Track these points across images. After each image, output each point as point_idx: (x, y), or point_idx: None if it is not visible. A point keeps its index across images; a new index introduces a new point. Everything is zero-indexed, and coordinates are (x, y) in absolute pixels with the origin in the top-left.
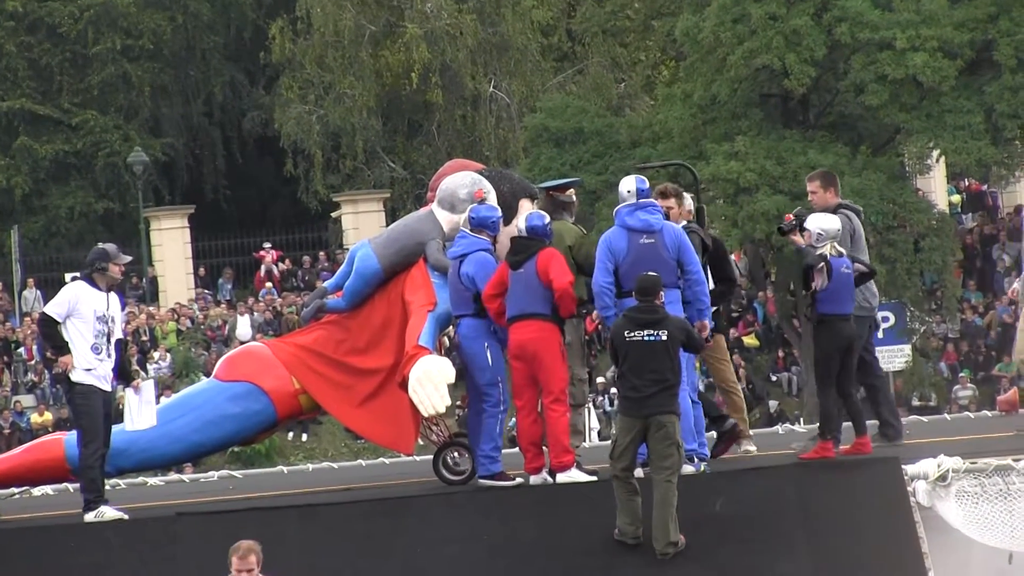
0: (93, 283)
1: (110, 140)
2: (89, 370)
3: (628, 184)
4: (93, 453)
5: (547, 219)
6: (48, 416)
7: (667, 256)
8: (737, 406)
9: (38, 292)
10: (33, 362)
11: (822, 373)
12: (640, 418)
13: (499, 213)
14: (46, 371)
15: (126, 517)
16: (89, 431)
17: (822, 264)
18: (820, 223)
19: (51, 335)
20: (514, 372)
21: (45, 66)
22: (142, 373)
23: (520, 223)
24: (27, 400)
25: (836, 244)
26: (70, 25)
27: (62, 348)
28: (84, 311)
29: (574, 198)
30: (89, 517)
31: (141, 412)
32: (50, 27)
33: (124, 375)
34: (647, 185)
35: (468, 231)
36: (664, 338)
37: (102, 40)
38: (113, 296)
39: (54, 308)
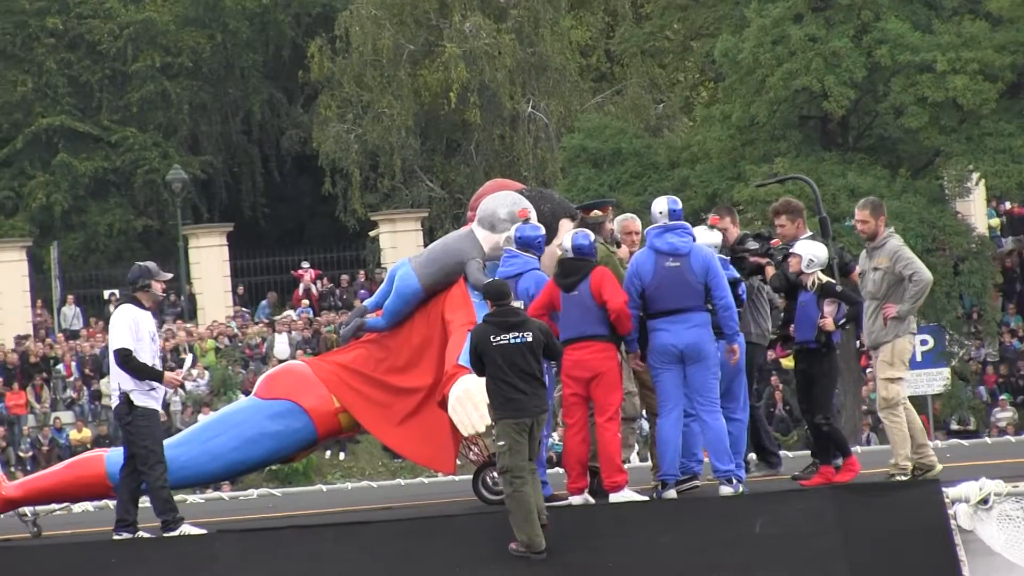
0: (139, 303)
1: (149, 157)
2: (151, 390)
3: (660, 205)
4: (161, 474)
5: (592, 237)
6: (87, 433)
7: (693, 280)
8: None
9: (77, 309)
10: (72, 379)
11: (822, 399)
12: (531, 416)
13: (543, 232)
14: (84, 387)
15: (205, 532)
16: (154, 453)
17: (839, 288)
18: (811, 249)
19: (138, 367)
20: (566, 390)
21: (85, 83)
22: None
23: (565, 243)
24: (66, 417)
25: (821, 273)
26: (110, 42)
27: (156, 373)
28: (142, 334)
29: (605, 218)
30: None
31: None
32: (90, 44)
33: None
34: (680, 206)
35: (516, 250)
36: (529, 339)
37: (141, 57)
38: (150, 314)
39: (125, 340)
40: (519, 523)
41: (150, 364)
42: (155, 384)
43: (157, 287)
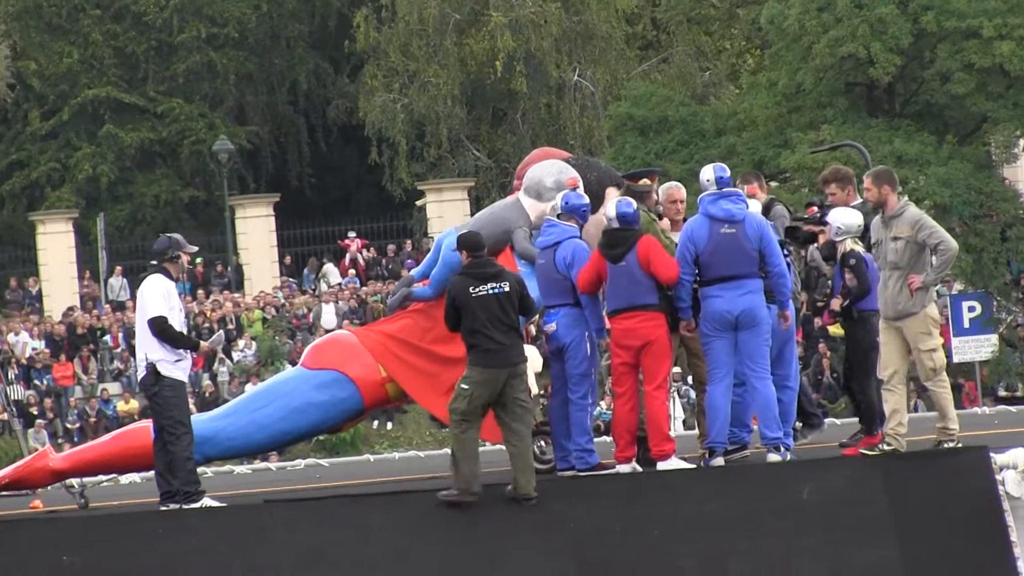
0: (168, 274)
1: (195, 128)
2: (178, 360)
3: (707, 173)
4: (188, 445)
5: (635, 205)
6: (134, 404)
7: (748, 246)
8: None
9: (125, 280)
10: (119, 350)
11: (862, 368)
12: (505, 368)
13: (588, 202)
14: (132, 359)
15: (225, 505)
16: (181, 424)
17: (854, 260)
18: (840, 218)
19: (173, 335)
20: (615, 359)
21: (131, 54)
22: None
23: (609, 211)
24: (113, 388)
25: (855, 240)
26: (155, 13)
27: (193, 342)
28: (173, 303)
29: (651, 187)
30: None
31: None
32: (136, 15)
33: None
34: (728, 174)
35: (556, 219)
36: (507, 289)
37: (187, 28)
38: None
39: (160, 308)
40: (460, 466)
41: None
42: (183, 354)
43: (185, 258)
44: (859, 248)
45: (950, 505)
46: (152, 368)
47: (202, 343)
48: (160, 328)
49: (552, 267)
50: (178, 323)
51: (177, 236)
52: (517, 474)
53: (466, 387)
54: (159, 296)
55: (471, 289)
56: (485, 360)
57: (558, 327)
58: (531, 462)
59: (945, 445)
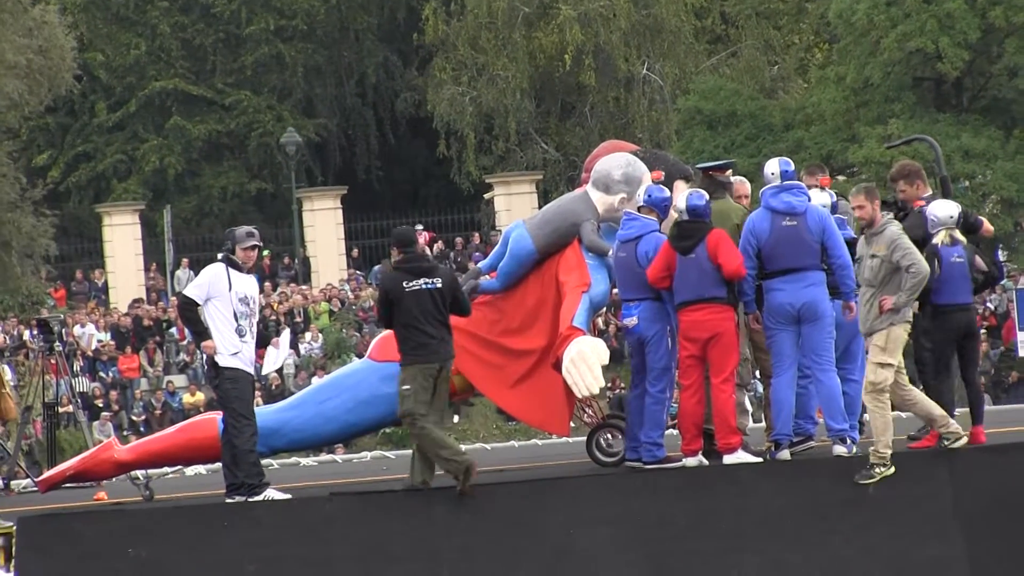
0: (234, 264)
1: (263, 120)
2: (236, 353)
3: (772, 166)
4: (251, 438)
5: (706, 198)
6: (200, 396)
7: (810, 239)
8: None
9: (191, 272)
10: (185, 342)
11: (936, 363)
12: (437, 361)
13: (670, 195)
14: (198, 351)
15: (290, 498)
16: (243, 416)
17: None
18: (934, 210)
19: (191, 318)
20: (682, 352)
21: (199, 46)
22: (276, 329)
23: (680, 204)
24: (179, 380)
25: (953, 232)
26: (224, 5)
27: (203, 333)
28: (226, 292)
29: (732, 179)
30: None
31: (278, 358)
32: (204, 7)
33: (263, 342)
34: (792, 167)
35: (637, 212)
36: (440, 285)
37: (255, 20)
38: (253, 277)
39: (193, 290)
40: (436, 455)
41: (234, 325)
42: (239, 345)
43: (240, 254)
44: (946, 240)
45: (1016, 499)
46: (211, 359)
47: (207, 343)
48: (180, 304)
49: (633, 261)
50: (230, 310)
51: (240, 230)
52: (421, 465)
53: (406, 387)
54: (203, 280)
55: (404, 284)
56: (419, 354)
57: (639, 321)
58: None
59: (876, 469)
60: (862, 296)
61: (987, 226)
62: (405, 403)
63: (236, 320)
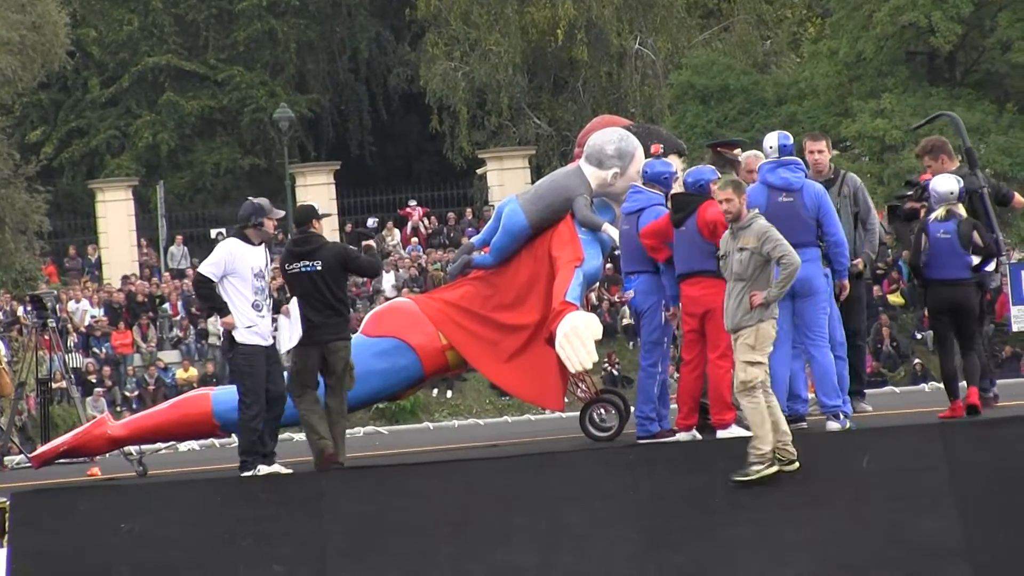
0: (247, 239)
1: (256, 96)
2: (251, 327)
3: (771, 140)
4: (256, 415)
5: (717, 175)
6: (193, 372)
7: (805, 215)
8: None
9: (185, 248)
10: (178, 318)
11: (935, 336)
12: (315, 346)
13: (673, 169)
14: (191, 327)
15: (288, 471)
16: (252, 392)
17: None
18: (935, 185)
19: (209, 295)
20: (685, 327)
21: (191, 22)
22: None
23: (686, 177)
24: (172, 356)
25: (953, 207)
26: None
27: (223, 309)
28: (241, 269)
29: (746, 153)
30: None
31: (292, 331)
32: None
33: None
34: (791, 142)
35: (641, 186)
36: (319, 268)
37: None
38: (265, 251)
39: (209, 268)
40: (311, 437)
41: (250, 300)
42: (255, 320)
43: (269, 224)
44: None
45: (1011, 474)
46: (227, 334)
47: (225, 319)
48: (196, 282)
49: (635, 233)
50: (250, 288)
51: (262, 202)
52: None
53: (291, 365)
54: (217, 257)
55: (286, 265)
56: (305, 335)
57: (636, 293)
58: (342, 433)
59: (754, 467)
60: (730, 291)
61: (1019, 198)
62: (289, 385)
63: (253, 295)
